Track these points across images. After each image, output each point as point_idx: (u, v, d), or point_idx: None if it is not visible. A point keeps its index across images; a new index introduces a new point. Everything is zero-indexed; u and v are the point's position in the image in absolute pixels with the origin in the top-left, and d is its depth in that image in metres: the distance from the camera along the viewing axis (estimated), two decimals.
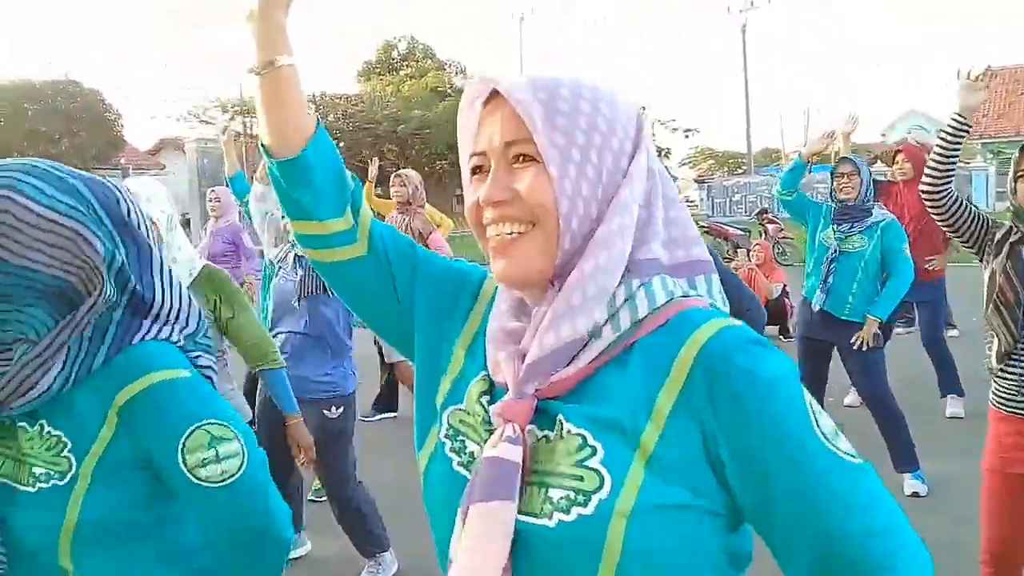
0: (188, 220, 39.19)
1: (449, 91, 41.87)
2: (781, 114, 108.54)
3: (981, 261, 2.76)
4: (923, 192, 2.86)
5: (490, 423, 0.94)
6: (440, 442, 1.00)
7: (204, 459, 1.21)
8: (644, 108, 41.42)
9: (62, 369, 1.19)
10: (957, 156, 2.82)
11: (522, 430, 0.89)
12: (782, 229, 15.81)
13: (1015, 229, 2.63)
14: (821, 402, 4.80)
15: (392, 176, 5.91)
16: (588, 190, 0.92)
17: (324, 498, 3.85)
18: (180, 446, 1.20)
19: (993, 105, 34.87)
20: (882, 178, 6.44)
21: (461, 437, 0.98)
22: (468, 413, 0.98)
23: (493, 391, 0.98)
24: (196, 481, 1.21)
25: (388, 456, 4.67)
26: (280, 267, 3.58)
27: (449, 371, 1.04)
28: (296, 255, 3.48)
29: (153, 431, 1.21)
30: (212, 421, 1.23)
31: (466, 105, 0.98)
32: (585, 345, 0.91)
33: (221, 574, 1.31)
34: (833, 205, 4.56)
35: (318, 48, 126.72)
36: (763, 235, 14.88)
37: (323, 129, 1.06)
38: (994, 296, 2.56)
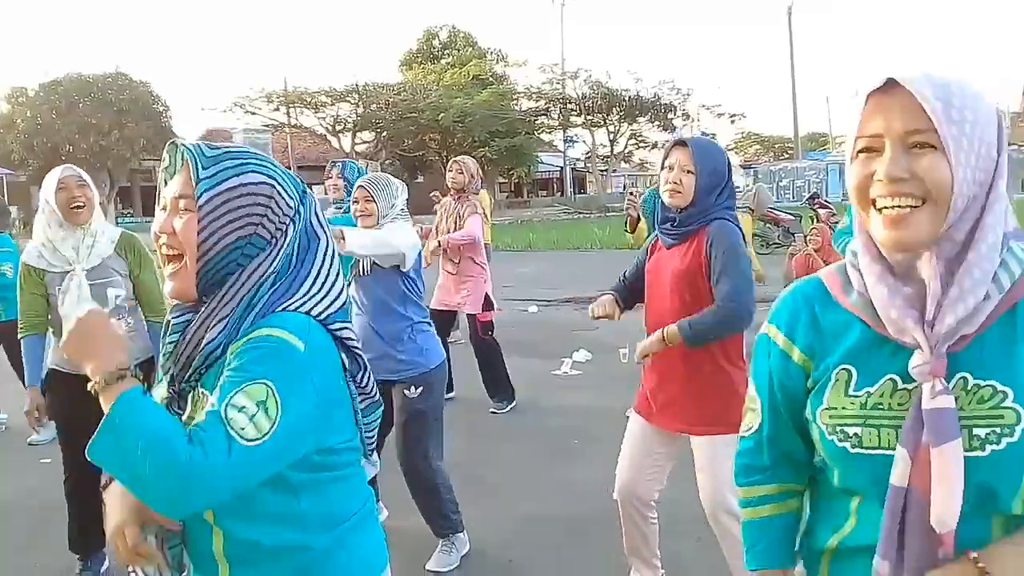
0: None
1: (490, 79, 41.91)
2: (828, 97, 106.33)
3: None
4: None
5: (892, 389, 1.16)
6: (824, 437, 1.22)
7: (243, 406, 1.23)
8: (690, 92, 41.19)
9: (222, 329, 1.31)
10: None
11: (944, 383, 1.10)
12: (834, 214, 15.54)
13: None
14: None
15: (450, 162, 5.91)
16: (973, 177, 1.10)
17: None
18: (241, 387, 1.24)
19: None
20: None
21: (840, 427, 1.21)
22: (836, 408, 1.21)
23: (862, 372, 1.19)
24: (223, 418, 1.22)
25: (452, 438, 4.69)
26: None
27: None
28: None
29: (231, 370, 1.27)
30: (281, 391, 1.26)
31: (851, 94, 1.11)
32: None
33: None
34: None
35: (361, 37, 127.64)
36: (815, 220, 14.66)
37: None
38: None
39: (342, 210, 5.01)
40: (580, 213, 35.50)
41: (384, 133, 38.73)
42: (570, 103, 39.61)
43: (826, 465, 1.25)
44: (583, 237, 21.66)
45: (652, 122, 41.59)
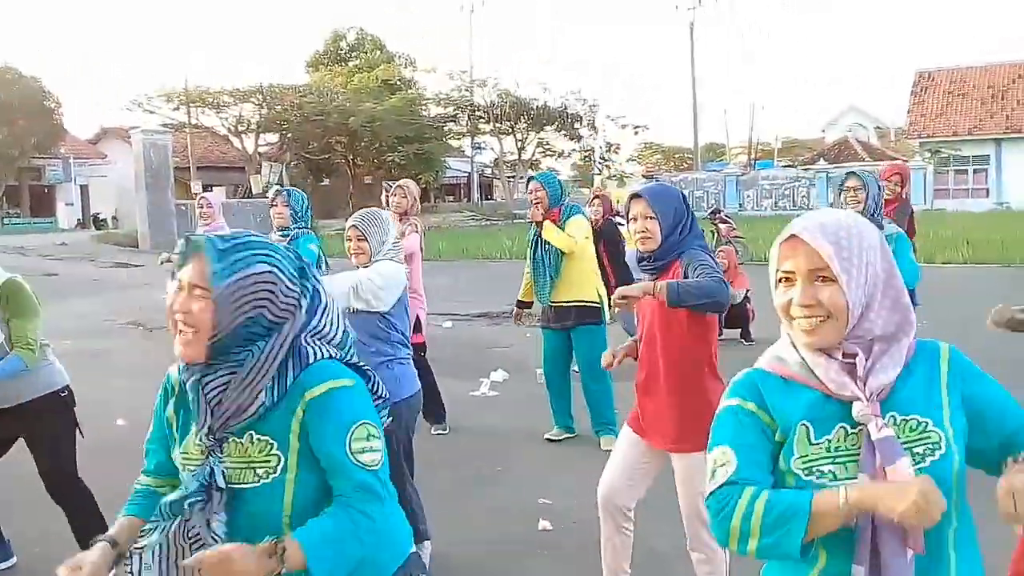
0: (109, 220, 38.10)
1: (399, 84, 41.66)
2: (726, 109, 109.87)
3: None
4: None
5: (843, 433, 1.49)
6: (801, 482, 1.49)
7: (364, 448, 1.60)
8: (596, 104, 41.82)
9: (268, 393, 1.58)
10: None
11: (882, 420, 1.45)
12: (734, 228, 16.15)
13: None
14: None
15: (393, 187, 5.96)
16: (862, 292, 1.49)
17: None
18: (349, 436, 1.59)
19: (932, 106, 35.97)
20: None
21: (814, 469, 1.49)
22: (807, 456, 1.50)
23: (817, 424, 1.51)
24: (357, 464, 1.58)
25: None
26: None
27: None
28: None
29: (329, 424, 1.59)
30: (368, 421, 1.63)
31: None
32: None
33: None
34: None
35: (266, 38, 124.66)
36: (715, 235, 15.30)
37: None
38: None
39: (288, 238, 5.03)
40: (488, 219, 35.66)
41: (289, 135, 38.03)
42: (479, 110, 39.75)
43: None
44: (493, 246, 21.79)
45: (559, 131, 42.13)
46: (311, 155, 39.71)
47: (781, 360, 1.58)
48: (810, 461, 1.49)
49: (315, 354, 1.64)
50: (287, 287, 1.63)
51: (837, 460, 1.48)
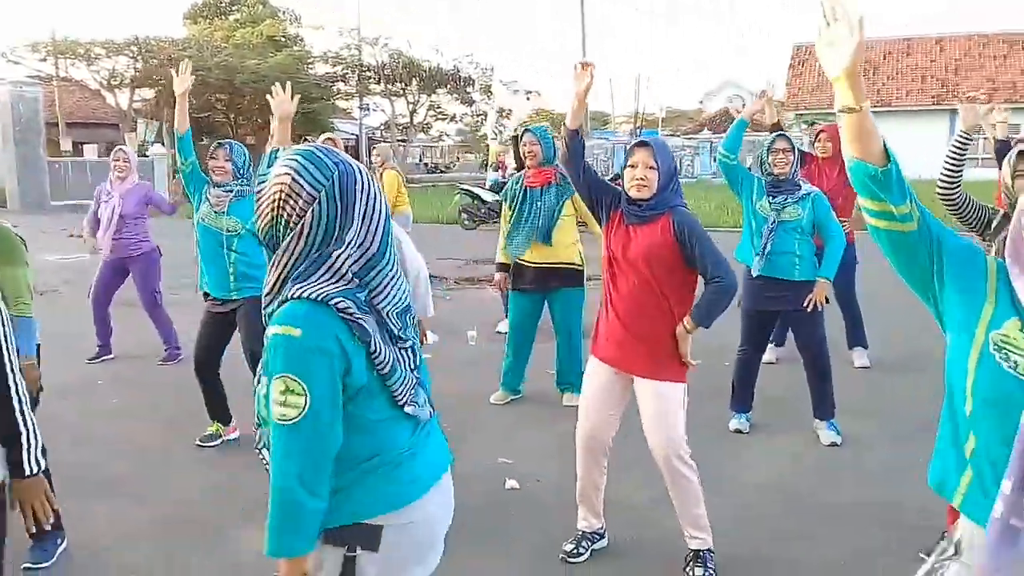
0: None
1: (285, 41, 40.22)
2: (611, 78, 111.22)
3: (984, 240, 3.30)
4: (939, 195, 3.37)
5: None
6: (988, 354, 1.55)
7: (276, 400, 1.67)
8: (490, 68, 41.57)
9: (269, 303, 1.76)
10: (964, 165, 3.36)
11: None
12: None
13: (1009, 216, 3.02)
14: (759, 365, 5.16)
15: (323, 138, 5.73)
16: None
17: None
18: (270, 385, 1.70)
19: (808, 80, 37.45)
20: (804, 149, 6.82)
21: (1006, 351, 1.53)
22: (1009, 338, 1.54)
23: None
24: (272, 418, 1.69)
25: None
26: None
27: (984, 314, 1.59)
28: None
29: (268, 365, 1.71)
30: (291, 376, 1.66)
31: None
32: None
33: None
34: (765, 178, 4.86)
35: None
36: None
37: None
38: None
39: (231, 193, 4.77)
40: None
41: (166, 91, 36.20)
42: (369, 71, 38.84)
43: (957, 372, 1.62)
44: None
45: (451, 94, 41.68)
46: (190, 113, 37.91)
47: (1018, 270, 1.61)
48: (1008, 343, 1.54)
49: (296, 290, 1.71)
50: (307, 191, 1.72)
51: None
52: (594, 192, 3.42)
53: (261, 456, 1.82)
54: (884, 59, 36.39)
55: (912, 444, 4.70)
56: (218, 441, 4.96)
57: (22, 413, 2.14)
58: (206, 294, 4.92)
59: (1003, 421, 1.50)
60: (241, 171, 4.89)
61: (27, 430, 2.14)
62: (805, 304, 4.80)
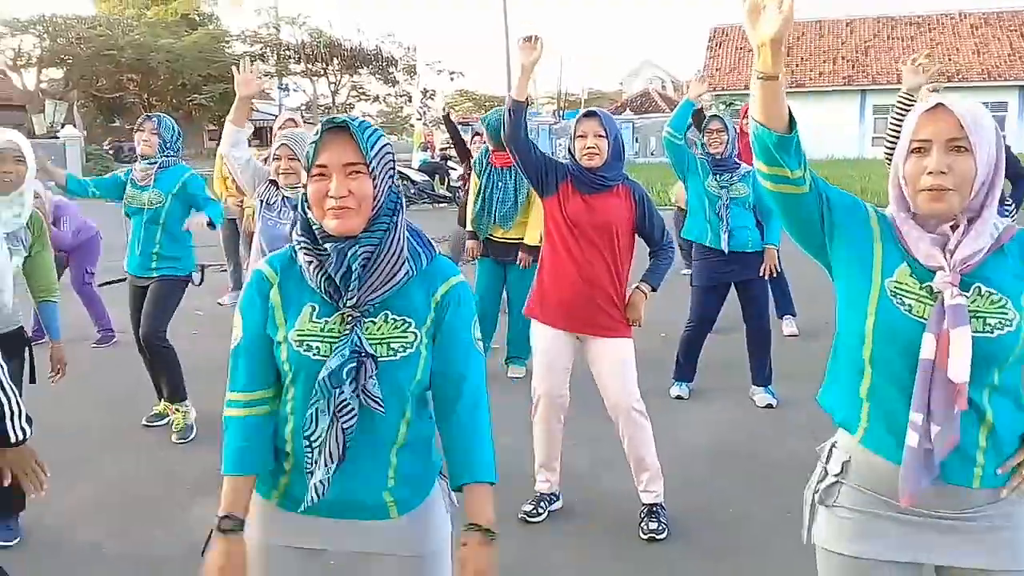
0: None
1: (200, 19, 39.15)
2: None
3: None
4: (888, 156, 3.47)
5: (929, 290, 1.66)
6: (887, 299, 1.69)
7: (477, 336, 1.78)
8: (414, 48, 41.16)
9: (410, 263, 1.70)
10: None
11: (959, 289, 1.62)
12: None
13: None
14: (705, 335, 5.35)
15: (284, 119, 5.70)
16: (985, 171, 1.65)
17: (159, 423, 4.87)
18: (472, 324, 1.77)
19: (724, 61, 38.25)
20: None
21: (900, 296, 1.68)
22: (901, 283, 1.69)
23: (915, 272, 1.68)
24: (477, 349, 1.77)
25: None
26: (265, 211, 3.85)
27: (875, 261, 1.73)
28: (284, 199, 3.77)
29: (465, 310, 1.75)
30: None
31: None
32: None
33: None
34: (705, 158, 5.05)
35: None
36: (445, 180, 16.26)
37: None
38: None
39: (154, 166, 4.66)
40: None
41: (76, 71, 34.90)
42: (288, 50, 38.08)
43: (854, 316, 1.75)
44: None
45: (374, 75, 41.18)
46: (101, 93, 36.76)
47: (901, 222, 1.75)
48: (901, 289, 1.68)
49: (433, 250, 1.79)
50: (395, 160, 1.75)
51: (922, 302, 1.66)
52: (543, 165, 3.51)
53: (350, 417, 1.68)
54: (797, 40, 37.36)
55: None
56: (164, 420, 4.90)
57: (1, 383, 2.13)
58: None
59: (902, 359, 1.65)
60: (168, 144, 4.72)
61: (8, 399, 2.14)
62: (761, 272, 5.06)
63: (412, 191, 17.34)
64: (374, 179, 1.64)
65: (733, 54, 38.14)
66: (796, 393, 5.28)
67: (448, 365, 1.72)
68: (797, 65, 36.44)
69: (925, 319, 1.64)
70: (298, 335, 1.67)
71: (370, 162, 1.63)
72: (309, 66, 38.95)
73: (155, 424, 4.91)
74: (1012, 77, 32.33)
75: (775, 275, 5.14)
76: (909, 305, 1.66)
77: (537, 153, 3.50)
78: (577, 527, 3.64)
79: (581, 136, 3.40)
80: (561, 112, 42.33)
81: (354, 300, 1.65)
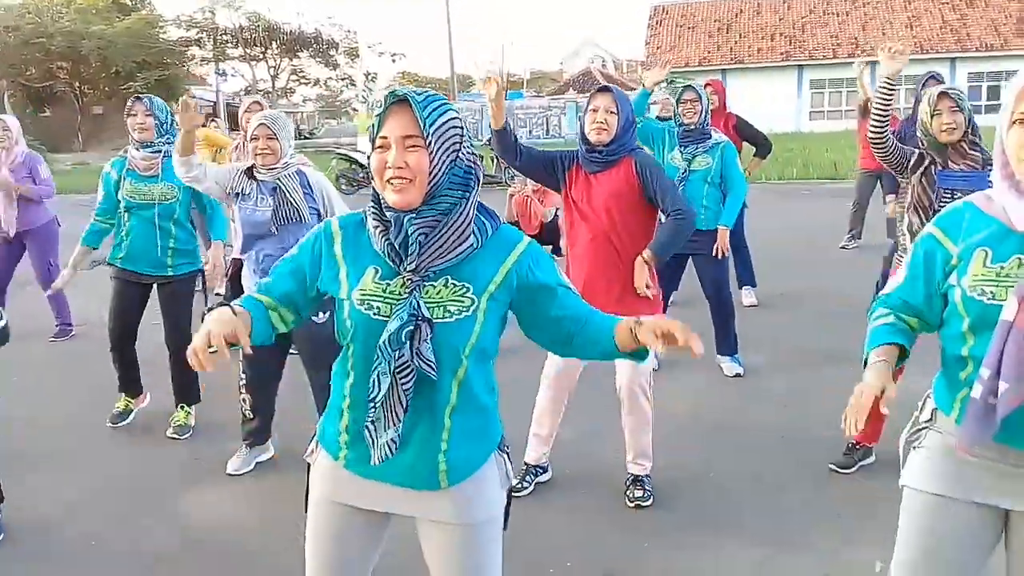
0: None
1: (131, 4, 38.04)
2: (476, 41, 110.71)
3: (902, 176, 3.65)
4: (871, 139, 3.62)
5: (999, 270, 1.73)
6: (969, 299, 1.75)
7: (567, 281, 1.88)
8: (354, 31, 40.62)
9: (475, 236, 1.76)
10: (890, 110, 3.59)
11: None
12: None
13: (926, 155, 3.55)
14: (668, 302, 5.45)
15: (248, 103, 5.63)
16: None
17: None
18: (558, 270, 1.86)
19: (665, 39, 38.52)
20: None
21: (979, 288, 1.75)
22: (976, 275, 1.76)
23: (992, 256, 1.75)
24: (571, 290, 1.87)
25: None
26: (241, 202, 3.80)
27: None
28: (259, 186, 3.74)
29: (546, 264, 1.85)
30: None
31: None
32: None
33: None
34: (677, 128, 5.15)
35: None
36: (495, 161, 15.94)
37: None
38: (913, 200, 3.53)
39: (160, 154, 4.32)
40: None
41: (4, 60, 33.72)
42: (226, 34, 37.29)
43: (953, 322, 1.81)
44: None
45: (314, 58, 40.59)
46: (30, 82, 35.58)
47: (988, 198, 1.81)
48: (979, 281, 1.74)
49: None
50: (468, 137, 1.78)
51: (1000, 284, 1.71)
52: (544, 166, 3.55)
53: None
54: (736, 17, 37.82)
55: (802, 370, 5.27)
56: (131, 417, 4.77)
57: None
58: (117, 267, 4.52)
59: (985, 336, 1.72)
60: (165, 126, 4.37)
61: None
62: (713, 252, 5.14)
63: (361, 175, 17.28)
64: (431, 153, 1.68)
65: (673, 32, 38.41)
66: (757, 362, 5.45)
67: (565, 309, 1.82)
68: (736, 42, 36.89)
69: (1003, 301, 1.68)
70: (361, 295, 1.75)
71: (427, 136, 1.67)
72: (247, 50, 38.24)
73: (120, 424, 4.72)
74: (944, 49, 33.16)
75: (725, 256, 5.21)
76: (991, 292, 1.72)
77: (533, 156, 3.55)
78: (566, 496, 3.73)
79: (593, 111, 3.39)
80: (504, 93, 42.22)
81: (414, 266, 1.71)
